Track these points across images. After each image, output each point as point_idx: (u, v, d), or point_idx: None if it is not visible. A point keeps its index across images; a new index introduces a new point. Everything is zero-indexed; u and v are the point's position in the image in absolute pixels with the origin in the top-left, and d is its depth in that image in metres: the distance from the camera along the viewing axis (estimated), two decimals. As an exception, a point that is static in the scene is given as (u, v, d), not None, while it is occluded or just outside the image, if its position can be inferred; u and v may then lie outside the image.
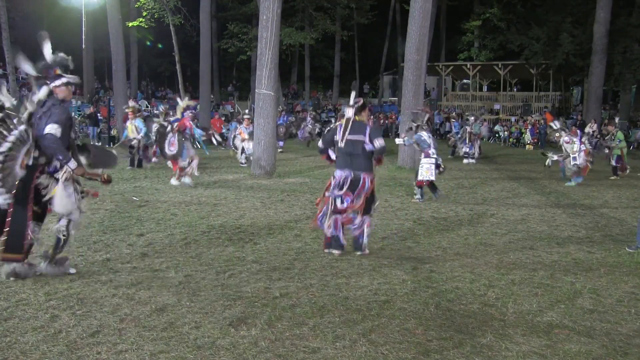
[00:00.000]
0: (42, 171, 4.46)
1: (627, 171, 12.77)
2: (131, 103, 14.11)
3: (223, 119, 24.46)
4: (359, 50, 38.74)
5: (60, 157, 4.38)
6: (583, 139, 11.28)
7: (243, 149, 14.23)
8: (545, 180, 11.86)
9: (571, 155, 11.11)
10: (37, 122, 4.41)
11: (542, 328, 3.71)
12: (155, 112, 23.20)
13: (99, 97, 29.62)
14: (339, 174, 5.52)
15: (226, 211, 7.85)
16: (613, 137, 12.52)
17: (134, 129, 12.63)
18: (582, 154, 11.09)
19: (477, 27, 31.70)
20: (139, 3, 23.37)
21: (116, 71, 22.36)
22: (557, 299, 4.30)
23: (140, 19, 23.66)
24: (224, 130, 21.91)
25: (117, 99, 20.67)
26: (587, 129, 12.56)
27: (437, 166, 8.86)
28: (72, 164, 4.43)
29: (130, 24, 23.68)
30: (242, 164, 14.02)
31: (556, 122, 11.81)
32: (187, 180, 10.30)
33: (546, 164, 11.66)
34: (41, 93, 4.43)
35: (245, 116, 15.17)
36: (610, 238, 6.57)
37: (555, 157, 11.48)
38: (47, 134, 4.29)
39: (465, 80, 33.40)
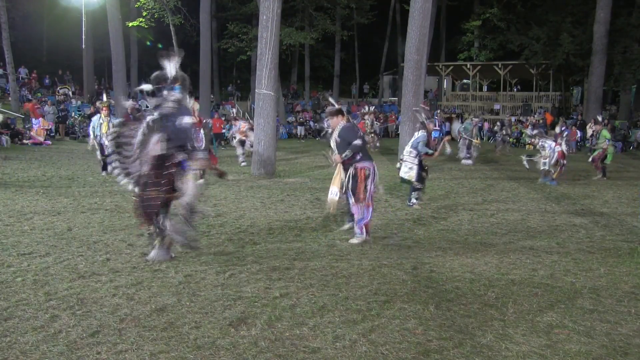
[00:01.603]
0: (175, 164, 4.81)
1: (600, 175, 12.28)
2: (105, 98, 13.92)
3: (223, 119, 24.46)
4: (359, 50, 38.73)
5: (191, 144, 4.74)
6: (559, 141, 11.38)
7: (243, 144, 14.32)
8: (545, 180, 11.85)
9: (542, 159, 11.31)
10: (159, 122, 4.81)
11: (542, 328, 3.71)
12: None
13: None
14: (371, 164, 6.11)
15: (226, 211, 7.85)
16: (598, 136, 12.41)
17: (110, 127, 12.47)
18: (556, 155, 11.16)
19: (477, 27, 31.70)
20: (139, 3, 23.40)
21: (116, 71, 22.35)
22: (557, 299, 4.30)
23: (140, 19, 23.68)
24: (224, 130, 21.91)
25: (117, 99, 20.70)
26: (587, 129, 12.57)
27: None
28: (202, 153, 4.85)
29: (130, 24, 23.70)
30: (242, 163, 14.04)
31: (529, 130, 12.09)
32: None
33: (524, 164, 11.89)
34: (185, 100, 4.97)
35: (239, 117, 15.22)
36: (610, 238, 6.56)
37: (526, 160, 11.83)
38: (186, 122, 4.71)
39: (465, 80, 33.38)
